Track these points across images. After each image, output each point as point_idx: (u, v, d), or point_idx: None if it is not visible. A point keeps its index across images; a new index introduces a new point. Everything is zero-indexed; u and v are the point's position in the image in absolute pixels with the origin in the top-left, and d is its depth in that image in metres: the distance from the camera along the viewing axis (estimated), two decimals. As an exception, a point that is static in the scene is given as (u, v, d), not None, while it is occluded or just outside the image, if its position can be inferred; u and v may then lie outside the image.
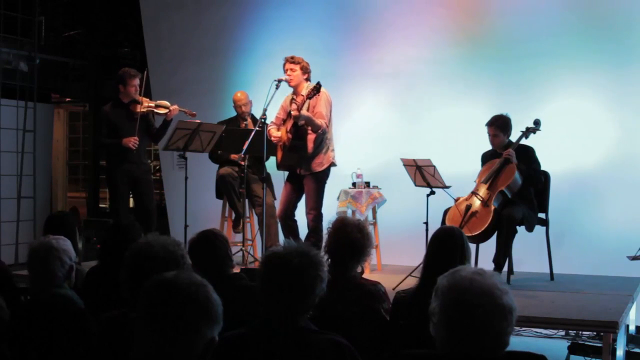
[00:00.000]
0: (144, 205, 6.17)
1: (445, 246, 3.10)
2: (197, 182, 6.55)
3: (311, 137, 5.52)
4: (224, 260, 3.32)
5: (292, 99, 5.67)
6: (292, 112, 5.43)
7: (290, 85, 5.64)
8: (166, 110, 6.02)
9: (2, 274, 3.75)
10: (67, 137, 11.43)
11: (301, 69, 5.57)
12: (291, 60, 5.58)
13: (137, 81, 6.01)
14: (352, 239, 3.13)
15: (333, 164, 5.66)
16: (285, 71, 5.59)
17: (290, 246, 2.25)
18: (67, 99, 11.05)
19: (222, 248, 3.33)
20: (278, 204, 5.94)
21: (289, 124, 5.57)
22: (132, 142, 5.90)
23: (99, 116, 6.22)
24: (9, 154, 8.28)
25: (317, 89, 5.40)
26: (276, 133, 5.67)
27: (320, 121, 5.44)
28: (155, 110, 6.04)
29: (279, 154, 5.71)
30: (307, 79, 5.64)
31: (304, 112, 5.40)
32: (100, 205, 10.82)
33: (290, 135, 5.55)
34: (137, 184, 6.11)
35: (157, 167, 9.31)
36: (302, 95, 5.51)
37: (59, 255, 2.98)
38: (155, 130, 6.16)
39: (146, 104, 6.00)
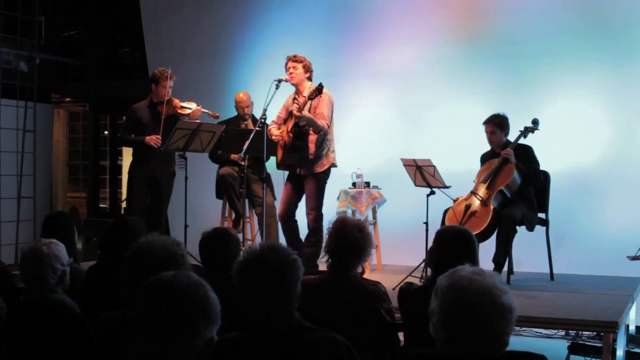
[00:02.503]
0: (157, 208, 6.15)
1: (460, 244, 3.07)
2: (197, 182, 6.54)
3: (312, 137, 5.52)
4: (231, 261, 3.32)
5: (294, 98, 5.68)
6: (294, 113, 5.43)
7: (291, 84, 5.64)
8: (189, 111, 6.02)
9: (2, 274, 3.74)
10: (67, 137, 11.44)
11: (303, 67, 5.58)
12: (293, 59, 5.59)
13: (170, 83, 5.98)
14: (352, 239, 3.13)
15: (333, 165, 5.66)
16: (287, 70, 5.60)
17: (256, 249, 2.23)
18: (67, 99, 11.05)
19: (233, 249, 3.33)
20: (278, 204, 5.95)
21: (290, 124, 5.57)
22: (155, 140, 5.88)
23: (127, 114, 6.21)
24: (9, 154, 8.28)
25: (319, 90, 5.41)
26: (277, 132, 5.67)
27: (321, 122, 5.44)
28: (179, 112, 6.03)
29: (279, 153, 5.71)
30: (309, 78, 5.65)
31: (305, 112, 5.40)
32: (100, 205, 10.83)
33: (291, 135, 5.55)
34: (156, 186, 6.11)
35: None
36: (304, 97, 5.51)
37: (50, 262, 2.93)
38: None
39: (173, 105, 6.00)
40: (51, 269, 2.93)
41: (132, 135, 6.13)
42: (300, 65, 5.57)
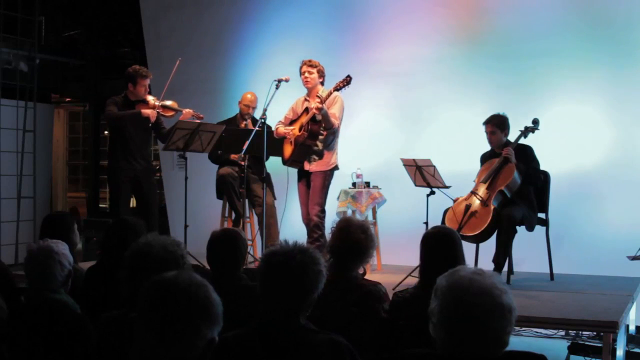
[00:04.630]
0: (146, 207, 6.11)
1: (443, 245, 3.09)
2: (197, 182, 6.55)
3: (322, 137, 5.61)
4: (238, 264, 3.33)
5: (305, 99, 5.74)
6: (315, 104, 5.44)
7: (306, 87, 5.74)
8: (172, 113, 5.99)
9: (2, 274, 3.74)
10: (67, 137, 11.44)
11: (318, 72, 5.70)
12: (309, 63, 5.70)
13: (147, 82, 5.94)
14: (356, 239, 3.14)
15: (336, 167, 5.72)
16: (301, 74, 5.70)
17: (289, 245, 2.26)
18: (67, 99, 11.05)
19: (243, 251, 3.34)
20: (278, 204, 5.99)
21: (305, 120, 5.61)
22: (152, 112, 5.80)
23: (110, 100, 5.98)
24: (9, 154, 8.28)
25: (347, 82, 5.46)
26: (287, 128, 5.69)
27: (333, 120, 5.54)
28: (162, 113, 6.00)
29: (288, 149, 5.74)
30: (322, 83, 5.74)
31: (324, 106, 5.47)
32: (100, 205, 10.83)
33: (304, 132, 5.59)
34: (139, 185, 6.05)
35: (157, 167, 9.30)
36: (319, 97, 5.55)
37: (59, 259, 2.95)
38: (166, 132, 5.99)
39: (152, 104, 5.95)
40: (59, 266, 2.94)
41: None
42: (315, 70, 5.68)
